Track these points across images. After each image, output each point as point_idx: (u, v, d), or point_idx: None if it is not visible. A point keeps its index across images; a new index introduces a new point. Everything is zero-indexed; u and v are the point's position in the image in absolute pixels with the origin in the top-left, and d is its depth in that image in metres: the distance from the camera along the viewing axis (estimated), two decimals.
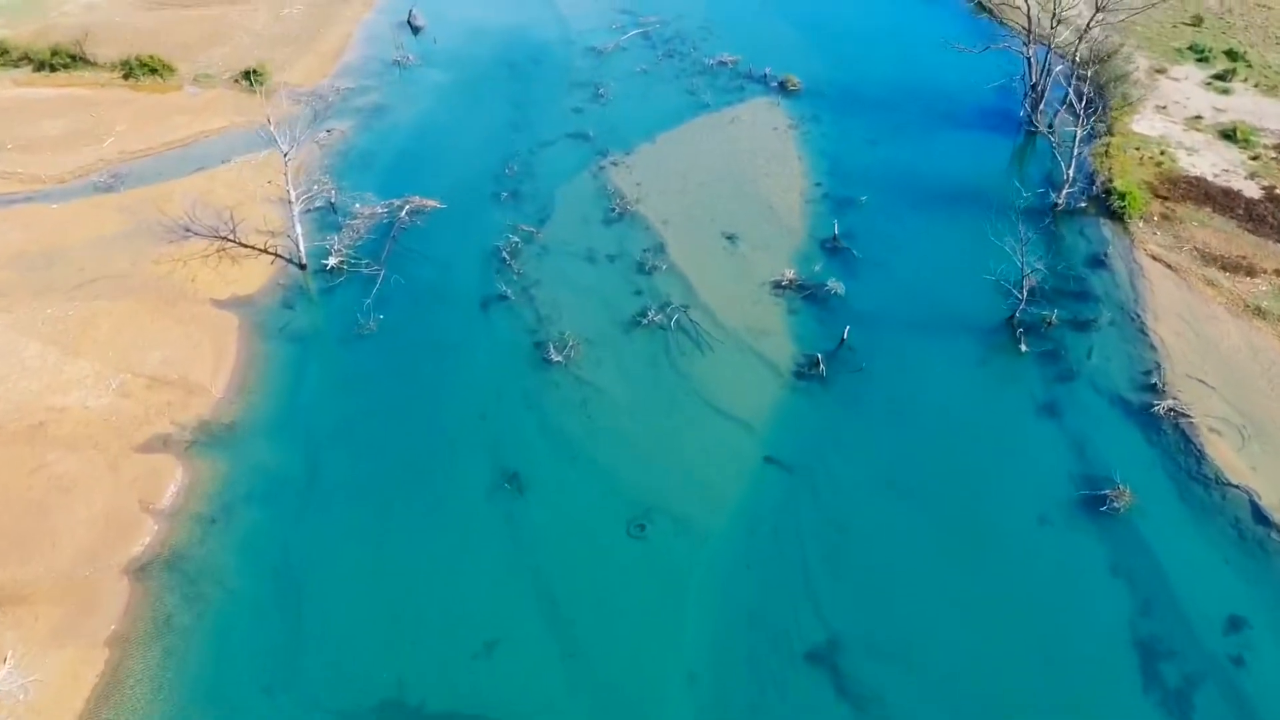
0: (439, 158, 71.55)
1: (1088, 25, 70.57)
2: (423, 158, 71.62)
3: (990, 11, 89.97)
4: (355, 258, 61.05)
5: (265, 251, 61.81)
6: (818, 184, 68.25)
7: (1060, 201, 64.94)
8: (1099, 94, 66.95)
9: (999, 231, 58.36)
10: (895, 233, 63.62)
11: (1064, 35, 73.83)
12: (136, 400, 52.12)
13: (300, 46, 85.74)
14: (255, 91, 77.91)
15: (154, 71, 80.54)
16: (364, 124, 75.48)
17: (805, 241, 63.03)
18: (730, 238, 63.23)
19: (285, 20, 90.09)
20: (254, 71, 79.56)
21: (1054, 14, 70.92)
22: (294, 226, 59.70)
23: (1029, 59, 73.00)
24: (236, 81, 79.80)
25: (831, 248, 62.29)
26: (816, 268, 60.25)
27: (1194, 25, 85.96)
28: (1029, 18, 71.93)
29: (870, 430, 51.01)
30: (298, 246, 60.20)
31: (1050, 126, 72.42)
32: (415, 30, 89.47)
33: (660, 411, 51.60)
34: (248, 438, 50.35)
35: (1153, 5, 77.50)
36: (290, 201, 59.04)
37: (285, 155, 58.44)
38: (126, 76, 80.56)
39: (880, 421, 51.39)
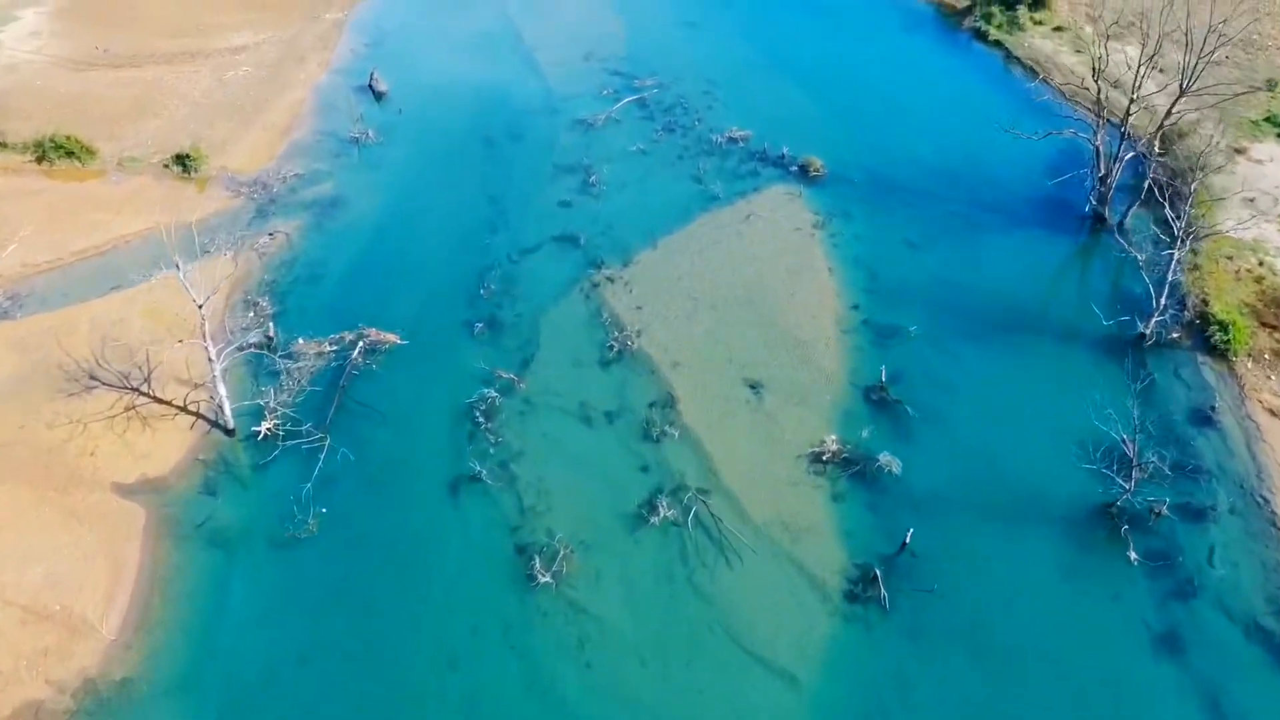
0: (401, 270, 59.95)
1: (1168, 111, 59.71)
2: (382, 270, 59.99)
3: (1028, 67, 79.25)
4: (295, 419, 49.66)
5: (185, 410, 50.46)
6: (854, 306, 57.02)
7: (1148, 333, 53.95)
8: (1176, 184, 55.98)
9: (1083, 381, 48.45)
10: (954, 378, 52.42)
11: (1134, 115, 62.66)
12: (5, 644, 40.60)
13: (243, 119, 73.98)
14: (188, 178, 66.75)
15: (71, 154, 68.76)
16: (314, 223, 63.92)
17: (846, 391, 51.75)
18: (754, 387, 51.93)
19: (228, 85, 78.26)
20: (187, 156, 67.90)
21: (1131, 97, 59.72)
22: (218, 389, 48.21)
23: (1097, 148, 61.80)
24: (167, 166, 68.23)
25: (879, 399, 51.13)
26: (864, 433, 48.97)
27: (1268, 90, 75.01)
28: (1099, 101, 60.77)
29: (946, 681, 39.81)
30: (223, 410, 48.79)
31: (1121, 224, 61.49)
32: (377, 96, 77.76)
33: (678, 657, 40.30)
34: (144, 703, 38.85)
35: (1248, 92, 66.39)
36: (211, 359, 47.46)
37: (200, 307, 46.75)
38: (40, 160, 68.85)
39: (958, 668, 40.18)
